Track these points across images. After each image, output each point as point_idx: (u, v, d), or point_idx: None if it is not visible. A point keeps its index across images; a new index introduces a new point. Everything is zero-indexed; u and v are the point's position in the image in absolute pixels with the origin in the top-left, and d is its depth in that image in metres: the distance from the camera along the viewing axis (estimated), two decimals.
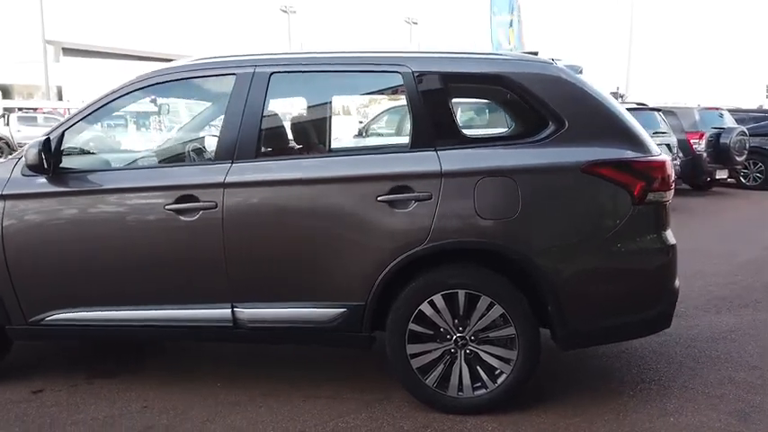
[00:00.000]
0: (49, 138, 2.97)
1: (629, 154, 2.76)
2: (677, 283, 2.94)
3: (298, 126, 3.35)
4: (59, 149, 3.02)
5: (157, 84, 3.09)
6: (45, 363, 3.56)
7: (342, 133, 3.51)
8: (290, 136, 3.29)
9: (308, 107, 3.41)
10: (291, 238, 2.88)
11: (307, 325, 2.93)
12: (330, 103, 3.55)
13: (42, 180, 3.01)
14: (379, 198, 2.79)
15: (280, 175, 2.91)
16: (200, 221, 2.89)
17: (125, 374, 3.38)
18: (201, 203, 2.89)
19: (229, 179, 2.88)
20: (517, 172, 2.75)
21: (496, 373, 2.84)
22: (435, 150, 2.82)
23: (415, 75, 2.88)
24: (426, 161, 2.80)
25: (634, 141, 2.81)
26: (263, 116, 2.95)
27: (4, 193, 3.04)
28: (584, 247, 2.75)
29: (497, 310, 2.79)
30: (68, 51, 41.04)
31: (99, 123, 3.20)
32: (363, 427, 2.78)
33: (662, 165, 2.80)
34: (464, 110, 6.86)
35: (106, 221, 3.02)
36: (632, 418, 2.83)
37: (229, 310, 2.95)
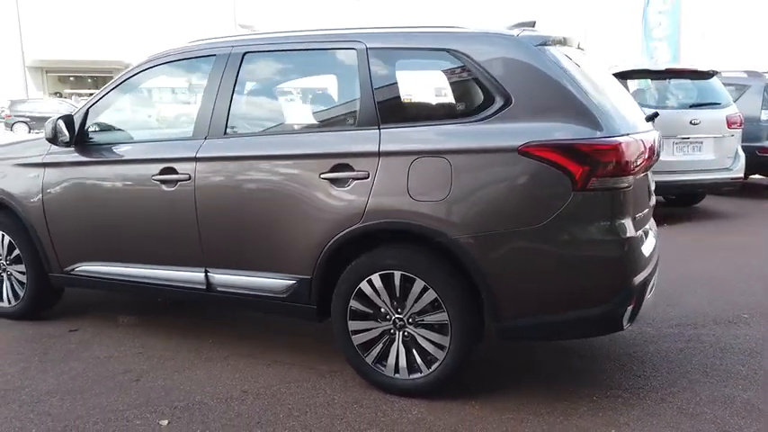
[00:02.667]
0: (70, 114, 3.47)
1: (572, 134, 2.48)
2: (639, 280, 2.58)
3: (263, 104, 3.49)
4: (83, 125, 3.51)
5: (157, 66, 3.43)
6: (95, 307, 4.18)
7: (302, 111, 3.56)
8: (256, 114, 3.44)
9: (274, 85, 3.52)
10: (249, 211, 3.05)
11: (265, 293, 3.09)
12: (294, 81, 3.62)
13: (73, 151, 3.53)
14: (322, 175, 2.84)
15: (240, 151, 3.08)
16: (178, 192, 3.19)
17: (146, 323, 3.85)
18: (178, 176, 3.18)
19: (200, 154, 3.13)
20: (451, 152, 2.62)
21: (430, 358, 2.77)
22: (379, 128, 2.78)
23: (368, 50, 2.86)
24: (367, 139, 2.78)
25: (589, 120, 2.50)
26: (233, 95, 3.14)
27: (44, 161, 3.62)
28: (517, 233, 2.54)
29: (431, 294, 2.71)
30: None
31: (120, 101, 3.63)
32: (299, 395, 2.90)
33: (614, 147, 2.46)
34: None
35: (112, 188, 3.45)
36: (571, 423, 2.59)
37: (203, 274, 3.23)
